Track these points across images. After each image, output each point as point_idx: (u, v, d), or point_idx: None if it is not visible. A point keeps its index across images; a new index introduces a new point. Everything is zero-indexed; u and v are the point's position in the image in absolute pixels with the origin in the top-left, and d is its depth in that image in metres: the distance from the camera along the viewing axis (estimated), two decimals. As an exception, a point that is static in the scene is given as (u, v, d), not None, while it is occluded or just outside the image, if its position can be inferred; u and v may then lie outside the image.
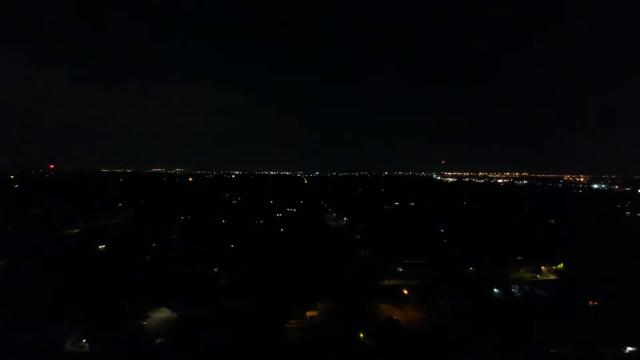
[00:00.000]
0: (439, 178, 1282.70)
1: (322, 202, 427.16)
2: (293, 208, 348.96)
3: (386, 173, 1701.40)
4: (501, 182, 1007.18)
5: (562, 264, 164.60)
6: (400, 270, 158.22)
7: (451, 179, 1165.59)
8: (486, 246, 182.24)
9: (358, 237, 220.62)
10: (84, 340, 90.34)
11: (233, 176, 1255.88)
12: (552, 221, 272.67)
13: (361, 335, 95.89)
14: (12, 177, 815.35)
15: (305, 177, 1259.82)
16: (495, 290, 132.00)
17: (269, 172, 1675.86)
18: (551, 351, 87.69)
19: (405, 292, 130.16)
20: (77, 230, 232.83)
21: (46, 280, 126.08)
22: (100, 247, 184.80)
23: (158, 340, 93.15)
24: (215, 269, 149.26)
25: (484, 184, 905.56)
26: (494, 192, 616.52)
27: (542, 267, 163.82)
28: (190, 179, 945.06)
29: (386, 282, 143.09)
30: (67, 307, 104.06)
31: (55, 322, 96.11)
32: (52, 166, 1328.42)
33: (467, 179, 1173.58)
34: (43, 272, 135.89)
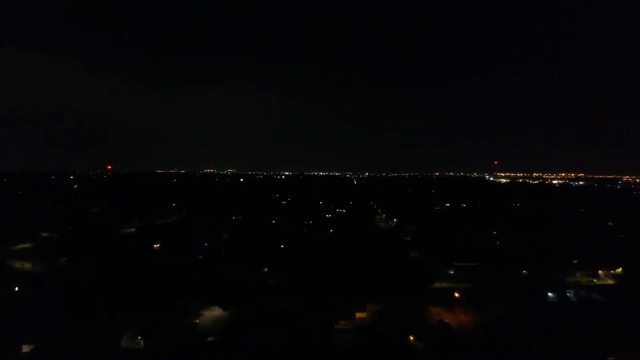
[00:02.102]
0: (491, 179, 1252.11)
1: (372, 203, 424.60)
2: (342, 209, 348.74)
3: (437, 174, 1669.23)
4: (556, 183, 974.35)
5: (620, 268, 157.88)
6: (452, 272, 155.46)
7: (504, 180, 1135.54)
8: (540, 249, 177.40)
9: (408, 238, 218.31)
10: (139, 337, 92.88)
11: (283, 177, 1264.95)
12: (610, 223, 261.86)
13: (411, 338, 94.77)
14: (71, 177, 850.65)
15: (354, 177, 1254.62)
16: (549, 294, 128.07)
17: (318, 173, 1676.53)
18: (609, 358, 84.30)
19: (457, 295, 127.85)
20: (133, 229, 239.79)
21: (103, 278, 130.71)
22: (155, 246, 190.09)
23: (210, 339, 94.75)
24: (266, 269, 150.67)
25: (539, 185, 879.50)
26: (548, 193, 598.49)
27: (600, 271, 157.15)
28: (242, 180, 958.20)
29: (437, 284, 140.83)
30: (123, 305, 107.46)
31: (111, 319, 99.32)
32: (109, 167, 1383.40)
33: (520, 180, 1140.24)
34: (101, 270, 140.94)
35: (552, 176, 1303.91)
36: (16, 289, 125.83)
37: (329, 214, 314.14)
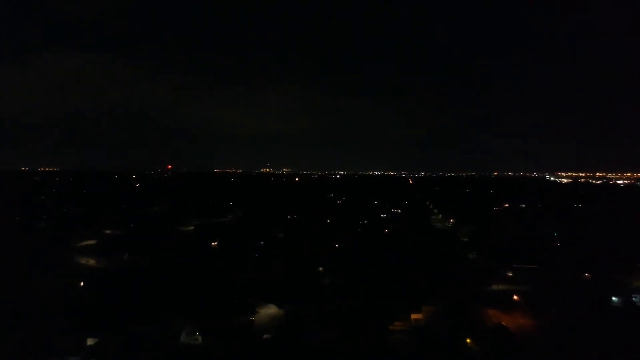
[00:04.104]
0: (552, 179, 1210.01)
1: (428, 202, 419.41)
2: (398, 209, 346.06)
3: (495, 173, 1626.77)
4: (621, 184, 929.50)
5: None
6: (510, 274, 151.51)
7: (565, 180, 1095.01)
8: (604, 251, 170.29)
9: (465, 239, 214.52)
10: (197, 333, 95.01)
11: (338, 176, 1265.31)
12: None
13: (468, 340, 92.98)
14: (134, 177, 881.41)
15: (410, 177, 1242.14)
16: (614, 298, 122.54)
17: (373, 173, 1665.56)
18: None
19: (515, 297, 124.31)
20: (192, 227, 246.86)
21: (163, 274, 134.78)
22: (213, 244, 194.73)
23: (266, 336, 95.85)
24: (320, 268, 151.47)
25: (602, 185, 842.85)
26: (613, 193, 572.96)
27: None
28: (297, 179, 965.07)
29: (495, 286, 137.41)
30: (181, 301, 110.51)
31: (170, 314, 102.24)
32: (170, 167, 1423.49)
33: (583, 180, 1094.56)
34: (161, 267, 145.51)
35: (617, 176, 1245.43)
36: (81, 284, 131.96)
37: (384, 214, 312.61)
